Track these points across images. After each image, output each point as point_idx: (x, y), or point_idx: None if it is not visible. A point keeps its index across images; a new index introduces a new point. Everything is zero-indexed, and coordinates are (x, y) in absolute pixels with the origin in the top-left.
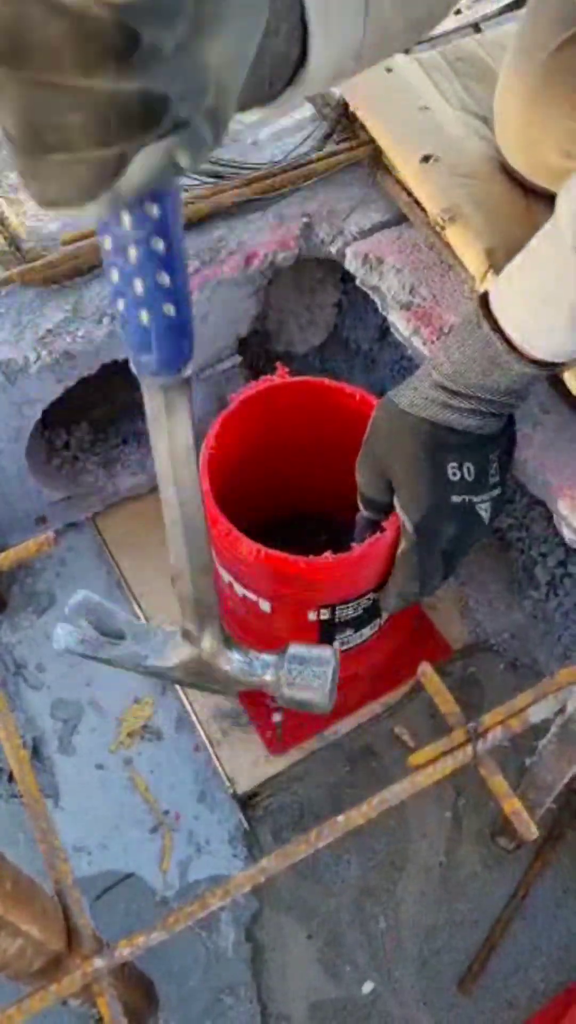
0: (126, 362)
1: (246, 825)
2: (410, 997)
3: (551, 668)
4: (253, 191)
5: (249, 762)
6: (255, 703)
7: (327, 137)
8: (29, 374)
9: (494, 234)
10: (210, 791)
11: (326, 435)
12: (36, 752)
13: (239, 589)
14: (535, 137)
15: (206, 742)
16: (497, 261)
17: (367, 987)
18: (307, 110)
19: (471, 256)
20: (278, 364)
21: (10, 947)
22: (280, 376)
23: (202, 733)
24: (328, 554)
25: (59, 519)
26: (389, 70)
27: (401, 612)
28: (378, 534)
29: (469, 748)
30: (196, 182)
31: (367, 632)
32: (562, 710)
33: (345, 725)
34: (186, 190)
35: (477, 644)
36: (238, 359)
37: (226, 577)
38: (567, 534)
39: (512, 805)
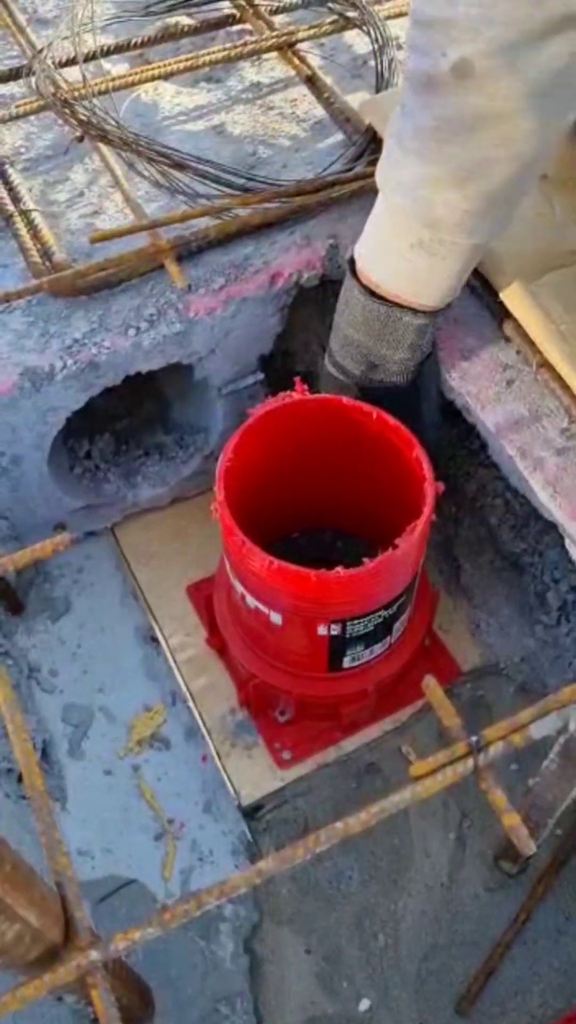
0: (150, 374)
1: (249, 837)
2: (406, 1017)
3: None
4: (281, 210)
5: (255, 775)
6: (264, 716)
7: (356, 159)
8: (54, 382)
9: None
10: (215, 802)
11: (343, 452)
12: (45, 755)
13: (251, 601)
14: None
15: (214, 753)
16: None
17: (364, 1004)
18: (338, 135)
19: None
20: (296, 380)
21: (8, 932)
22: (299, 392)
23: (210, 744)
24: (340, 569)
25: (78, 527)
26: None
27: (412, 631)
28: (390, 551)
29: (470, 760)
30: (222, 193)
31: (378, 649)
32: (565, 728)
33: (352, 742)
34: (209, 200)
35: (487, 667)
36: (260, 376)
37: (239, 588)
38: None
39: (511, 820)
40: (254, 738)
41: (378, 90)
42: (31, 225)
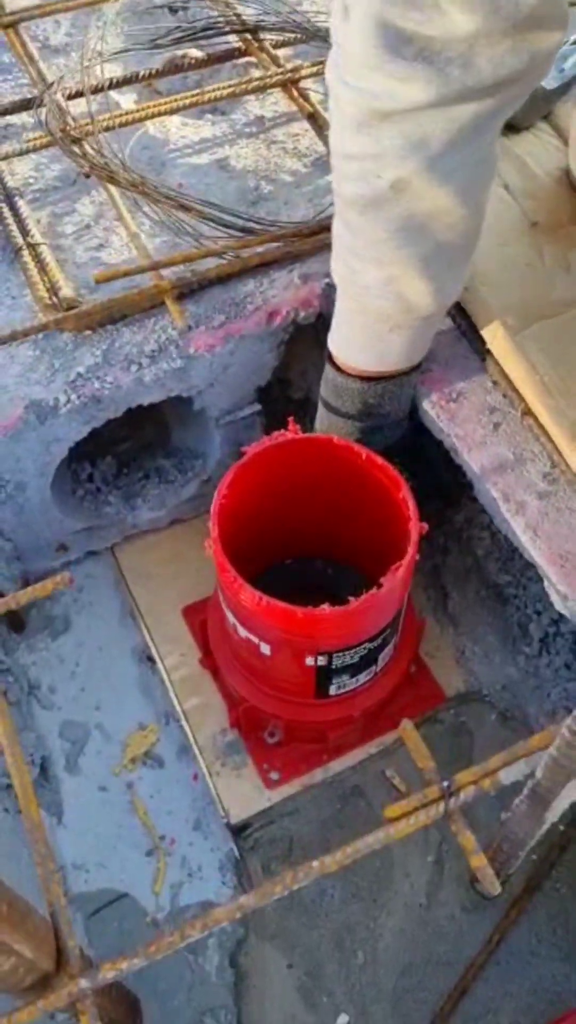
0: (151, 406)
1: (237, 855)
2: None
3: (540, 723)
4: (279, 252)
5: (244, 794)
6: (253, 737)
7: None
8: (59, 415)
9: (511, 295)
10: (205, 819)
11: (333, 488)
12: (43, 771)
13: (242, 631)
14: None
15: (205, 772)
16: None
17: (342, 1019)
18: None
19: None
20: (290, 420)
21: (4, 964)
22: (292, 431)
23: (202, 763)
24: (326, 606)
25: (79, 548)
26: None
27: (398, 660)
28: (374, 590)
29: (441, 805)
30: (225, 235)
31: (363, 678)
32: (532, 774)
33: (338, 764)
34: (213, 241)
35: (470, 693)
36: (257, 407)
37: (231, 619)
38: (556, 600)
39: (479, 861)
40: (243, 758)
41: None
42: (39, 259)
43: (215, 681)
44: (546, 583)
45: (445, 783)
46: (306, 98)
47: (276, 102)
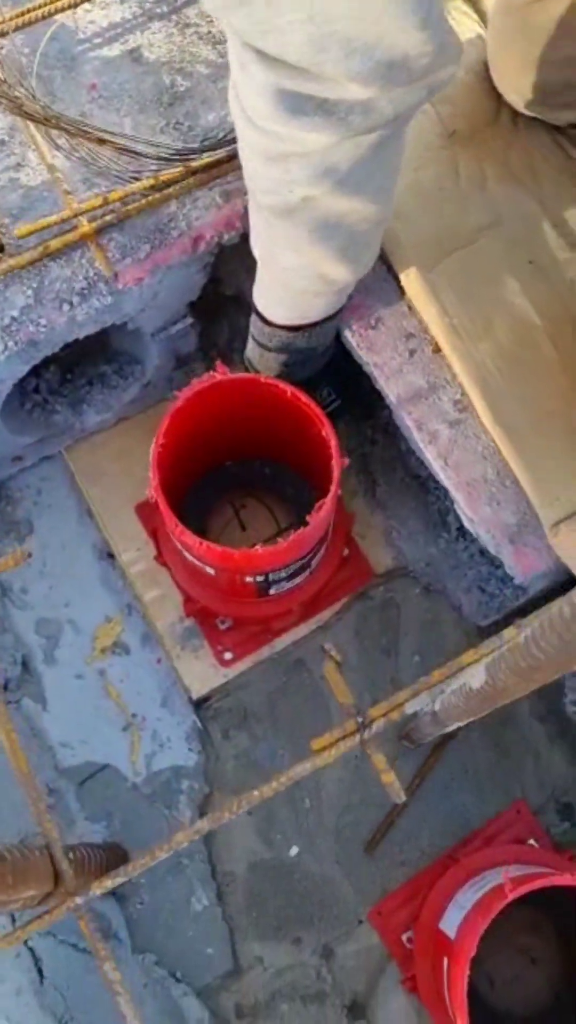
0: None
1: (200, 725)
2: (326, 858)
3: (458, 598)
4: (199, 180)
5: (202, 673)
6: (207, 624)
7: None
8: None
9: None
10: (170, 697)
11: (264, 418)
12: (25, 666)
13: (189, 557)
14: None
15: (167, 656)
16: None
17: (293, 851)
18: None
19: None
20: (218, 363)
21: (16, 904)
22: (221, 373)
23: (164, 648)
24: (259, 547)
25: (33, 456)
26: None
27: (330, 555)
28: (301, 529)
29: (358, 736)
30: (146, 169)
31: (299, 579)
32: (432, 704)
33: (283, 641)
34: (136, 178)
35: (398, 569)
36: (190, 321)
37: (178, 545)
38: (464, 520)
39: (388, 778)
40: (200, 641)
41: None
42: None
43: (170, 575)
44: (455, 505)
45: (359, 717)
46: None
47: None
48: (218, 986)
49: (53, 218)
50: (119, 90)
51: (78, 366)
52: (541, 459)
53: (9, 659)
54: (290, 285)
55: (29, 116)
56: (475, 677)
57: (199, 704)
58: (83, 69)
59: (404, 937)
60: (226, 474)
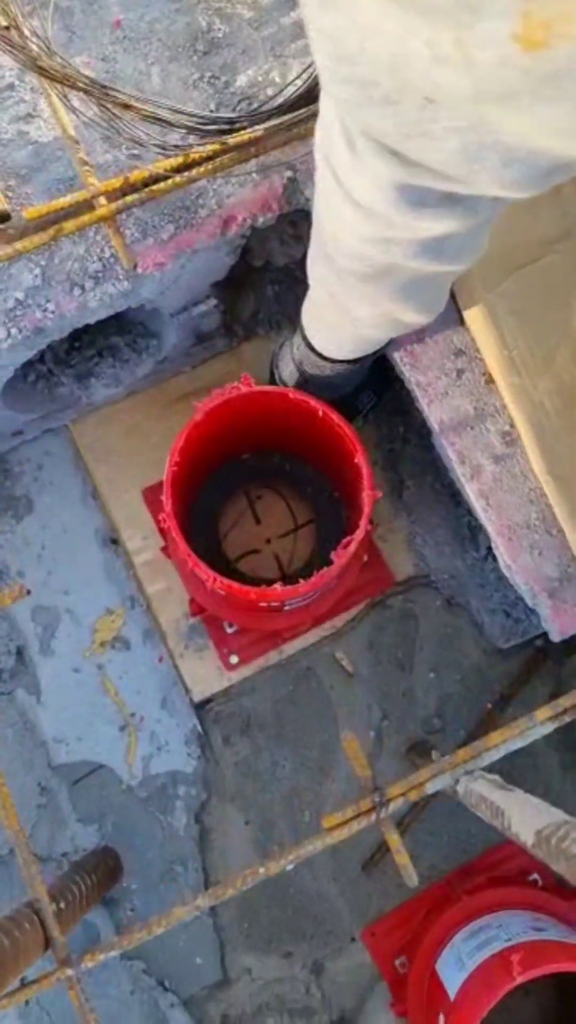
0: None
1: (200, 729)
2: (323, 874)
3: (481, 617)
4: (233, 159)
5: (206, 675)
6: (213, 625)
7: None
8: (1, 351)
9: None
10: (171, 698)
11: (288, 429)
12: (20, 655)
13: (199, 573)
14: None
15: (169, 654)
16: None
17: (290, 865)
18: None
19: None
20: (244, 375)
21: (13, 980)
22: (245, 386)
23: (166, 646)
24: (278, 586)
25: (35, 430)
26: None
27: (353, 560)
28: (325, 569)
29: (374, 815)
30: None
31: (313, 598)
32: (455, 785)
33: (292, 648)
34: (163, 152)
35: (419, 577)
36: (213, 302)
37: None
38: (501, 565)
39: (402, 859)
40: (205, 641)
41: None
42: None
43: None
44: (494, 546)
45: (376, 795)
46: None
47: None
48: (205, 996)
49: (67, 199)
50: (147, 31)
51: (86, 334)
52: None
53: (3, 648)
54: (360, 332)
55: (45, 73)
56: (524, 833)
57: (200, 707)
58: (107, 1)
59: (397, 962)
60: (244, 464)
